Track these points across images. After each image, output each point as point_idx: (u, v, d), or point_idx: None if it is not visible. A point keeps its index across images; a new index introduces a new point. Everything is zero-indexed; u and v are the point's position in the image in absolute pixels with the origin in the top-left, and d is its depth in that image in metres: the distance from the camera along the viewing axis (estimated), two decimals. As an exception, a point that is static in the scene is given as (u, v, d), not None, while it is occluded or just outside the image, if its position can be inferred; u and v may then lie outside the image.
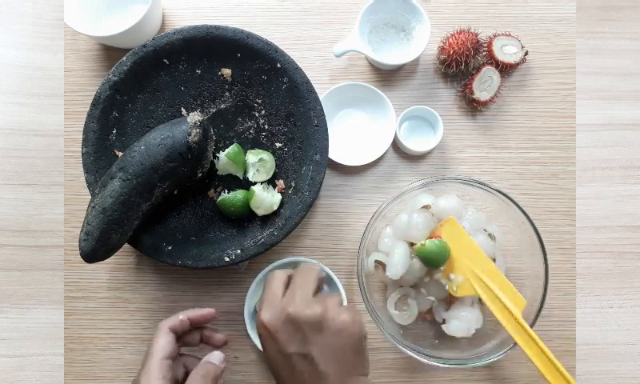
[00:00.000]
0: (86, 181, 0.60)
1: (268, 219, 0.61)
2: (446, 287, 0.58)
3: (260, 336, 0.48)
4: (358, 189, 0.70)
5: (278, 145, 0.63)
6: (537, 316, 0.57)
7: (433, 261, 0.56)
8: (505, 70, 0.70)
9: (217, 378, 0.51)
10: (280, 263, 0.65)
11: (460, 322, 0.59)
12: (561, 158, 0.70)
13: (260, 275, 0.64)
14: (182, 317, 0.54)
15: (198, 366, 0.52)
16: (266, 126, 0.63)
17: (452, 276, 0.58)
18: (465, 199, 0.63)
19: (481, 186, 0.60)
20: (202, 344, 0.58)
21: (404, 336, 0.61)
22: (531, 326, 0.56)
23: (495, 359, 0.57)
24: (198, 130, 0.56)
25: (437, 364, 0.57)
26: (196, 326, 0.56)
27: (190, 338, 0.57)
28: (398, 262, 0.58)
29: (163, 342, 0.52)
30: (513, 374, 0.65)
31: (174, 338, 0.53)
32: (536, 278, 0.59)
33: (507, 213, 0.61)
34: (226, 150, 0.60)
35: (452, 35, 0.69)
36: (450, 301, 0.61)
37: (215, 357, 0.53)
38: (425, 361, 0.57)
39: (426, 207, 0.61)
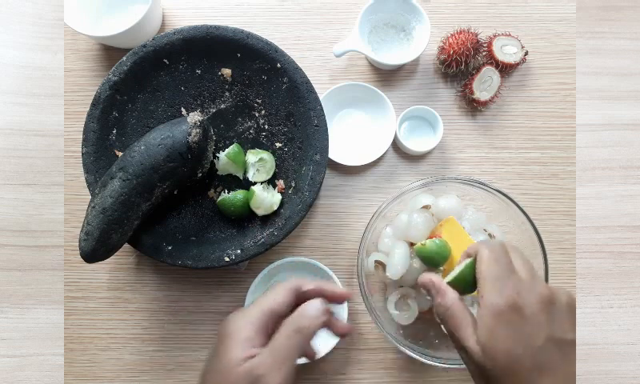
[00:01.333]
0: (86, 181, 0.60)
1: (268, 219, 0.61)
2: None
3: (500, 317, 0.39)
4: (358, 189, 0.70)
5: (278, 145, 0.63)
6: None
7: (433, 260, 0.56)
8: (505, 69, 0.70)
9: (309, 335, 0.42)
10: (280, 263, 0.65)
11: None
12: (561, 158, 0.70)
13: (260, 275, 0.64)
14: (308, 286, 0.45)
15: (294, 313, 0.43)
16: (266, 126, 0.63)
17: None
18: (465, 199, 0.63)
19: (481, 185, 0.60)
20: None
21: (404, 336, 0.61)
22: None
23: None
24: (197, 130, 0.56)
25: (437, 364, 0.57)
26: (327, 299, 0.46)
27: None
28: (398, 262, 0.58)
29: (278, 295, 0.43)
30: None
31: (291, 300, 0.44)
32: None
33: (507, 213, 0.61)
34: (226, 149, 0.60)
35: (452, 35, 0.69)
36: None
37: (311, 308, 0.43)
38: (425, 361, 0.57)
39: (425, 207, 0.61)
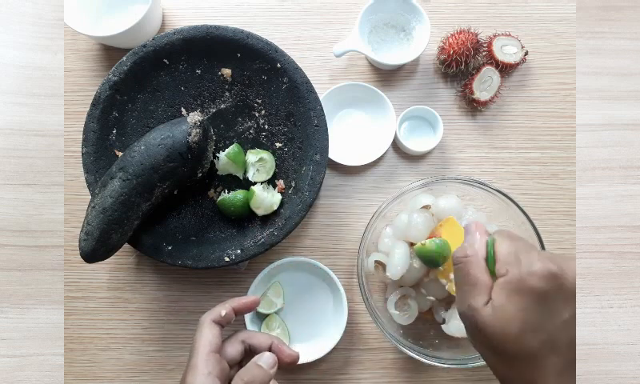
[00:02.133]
0: (86, 181, 0.60)
1: (268, 219, 0.61)
2: (446, 287, 0.58)
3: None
4: (358, 189, 0.70)
5: (278, 145, 0.63)
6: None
7: (433, 260, 0.56)
8: (505, 69, 0.70)
9: None
10: (280, 263, 0.65)
11: (460, 322, 0.59)
12: (561, 158, 0.70)
13: (260, 275, 0.64)
14: (223, 311, 0.50)
15: (245, 367, 0.47)
16: (266, 126, 0.63)
17: (452, 276, 0.58)
18: (465, 199, 0.63)
19: (481, 185, 0.60)
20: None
21: (404, 336, 0.61)
22: None
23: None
24: (198, 130, 0.56)
25: (437, 364, 0.57)
26: (240, 314, 0.52)
27: (259, 346, 0.51)
28: (398, 262, 0.58)
29: (207, 336, 0.48)
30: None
31: (219, 331, 0.49)
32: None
33: (507, 213, 0.61)
34: (226, 149, 0.60)
35: (452, 35, 0.69)
36: (449, 301, 0.61)
37: (264, 360, 0.48)
38: (425, 361, 0.57)
39: (425, 207, 0.61)
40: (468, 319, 0.39)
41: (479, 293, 0.38)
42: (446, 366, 0.57)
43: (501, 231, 0.42)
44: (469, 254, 0.40)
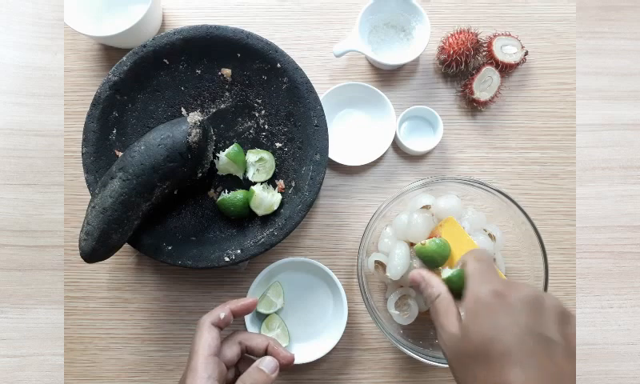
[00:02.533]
0: (86, 181, 0.60)
1: (268, 219, 0.61)
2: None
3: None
4: (358, 189, 0.70)
5: (278, 145, 0.63)
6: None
7: (433, 260, 0.56)
8: (505, 69, 0.70)
9: None
10: (280, 263, 0.65)
11: None
12: (561, 158, 0.70)
13: (260, 275, 0.64)
14: (222, 314, 0.50)
15: (247, 372, 0.48)
16: (266, 126, 0.63)
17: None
18: (465, 199, 0.63)
19: (481, 186, 0.60)
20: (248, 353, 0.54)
21: (404, 336, 0.61)
22: None
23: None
24: (197, 130, 0.56)
25: (437, 364, 0.57)
26: (239, 316, 0.53)
27: (255, 346, 0.52)
28: (398, 263, 0.58)
29: (207, 339, 0.48)
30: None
31: (218, 333, 0.50)
32: (536, 278, 0.59)
33: (507, 213, 0.61)
34: (226, 149, 0.60)
35: (452, 35, 0.69)
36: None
37: (266, 364, 0.49)
38: (425, 361, 0.57)
39: (425, 207, 0.61)
40: (447, 346, 0.42)
41: (450, 321, 0.42)
42: (445, 365, 0.57)
43: (470, 252, 0.47)
44: (435, 295, 0.45)
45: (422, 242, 0.56)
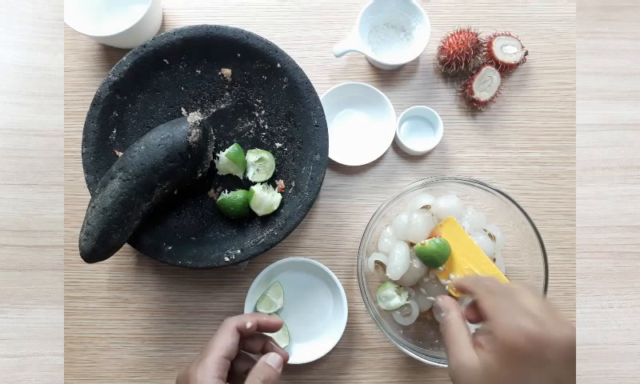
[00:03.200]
0: (86, 181, 0.60)
1: (268, 219, 0.61)
2: (446, 287, 0.59)
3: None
4: (358, 189, 0.70)
5: (278, 145, 0.63)
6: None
7: (433, 260, 0.56)
8: (505, 69, 0.70)
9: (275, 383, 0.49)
10: (280, 263, 0.65)
11: None
12: (561, 158, 0.70)
13: (260, 275, 0.64)
14: (249, 324, 0.50)
15: (255, 367, 0.49)
16: (266, 126, 0.63)
17: (452, 275, 0.58)
18: (465, 199, 0.63)
19: (481, 186, 0.60)
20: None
21: (404, 336, 0.61)
22: None
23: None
24: (197, 130, 0.56)
25: (437, 364, 0.57)
26: (262, 330, 0.53)
27: (253, 344, 0.53)
28: (398, 263, 0.58)
29: (227, 340, 0.48)
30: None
31: (238, 339, 0.50)
32: (536, 278, 0.59)
33: (507, 213, 0.61)
34: (226, 149, 0.60)
35: (452, 35, 0.69)
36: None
37: (272, 359, 0.50)
38: (425, 361, 0.57)
39: (425, 207, 0.61)
40: (455, 374, 0.41)
41: (460, 349, 0.41)
42: (446, 366, 0.57)
43: (479, 283, 0.45)
44: (447, 320, 0.44)
45: (422, 241, 0.56)
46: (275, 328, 0.53)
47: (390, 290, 0.60)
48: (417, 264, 0.59)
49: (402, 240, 0.61)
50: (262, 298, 0.65)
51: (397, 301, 0.59)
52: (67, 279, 0.68)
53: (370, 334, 0.67)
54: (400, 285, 0.61)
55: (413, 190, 0.61)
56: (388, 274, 0.58)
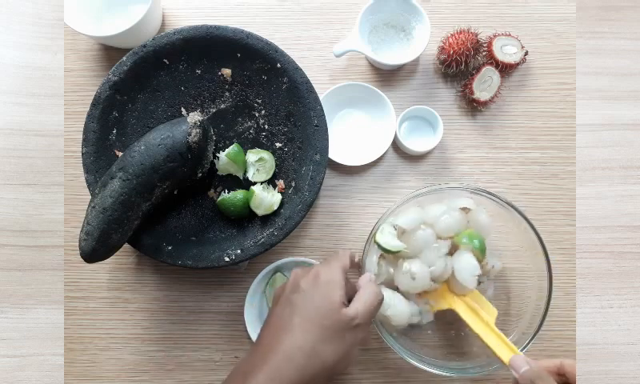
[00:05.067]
0: (86, 181, 0.60)
1: (268, 219, 0.61)
2: (427, 306, 0.60)
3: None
4: (358, 189, 0.70)
5: (278, 145, 0.63)
6: (544, 316, 0.57)
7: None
8: (505, 69, 0.70)
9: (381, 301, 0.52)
10: (280, 263, 0.65)
11: None
12: (561, 158, 0.70)
13: (260, 275, 0.64)
14: (357, 257, 0.57)
15: (362, 290, 0.51)
16: (266, 126, 0.63)
17: (432, 301, 0.60)
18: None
19: (481, 192, 0.60)
20: None
21: (401, 341, 0.61)
22: (539, 327, 0.57)
23: (495, 369, 0.57)
24: (197, 130, 0.56)
25: (438, 372, 0.57)
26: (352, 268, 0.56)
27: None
28: (402, 310, 0.58)
29: (346, 265, 0.52)
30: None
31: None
32: (539, 278, 0.59)
33: (508, 213, 0.61)
34: (226, 149, 0.60)
35: (452, 35, 0.69)
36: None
37: (368, 277, 0.54)
38: (425, 368, 0.57)
39: (464, 209, 0.61)
40: None
41: None
42: (445, 373, 0.57)
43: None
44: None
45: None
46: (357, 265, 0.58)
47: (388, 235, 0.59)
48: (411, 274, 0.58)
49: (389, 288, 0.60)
50: (264, 293, 0.66)
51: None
52: (67, 279, 0.68)
53: (370, 335, 0.67)
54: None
55: (411, 198, 0.61)
56: (393, 323, 0.58)
